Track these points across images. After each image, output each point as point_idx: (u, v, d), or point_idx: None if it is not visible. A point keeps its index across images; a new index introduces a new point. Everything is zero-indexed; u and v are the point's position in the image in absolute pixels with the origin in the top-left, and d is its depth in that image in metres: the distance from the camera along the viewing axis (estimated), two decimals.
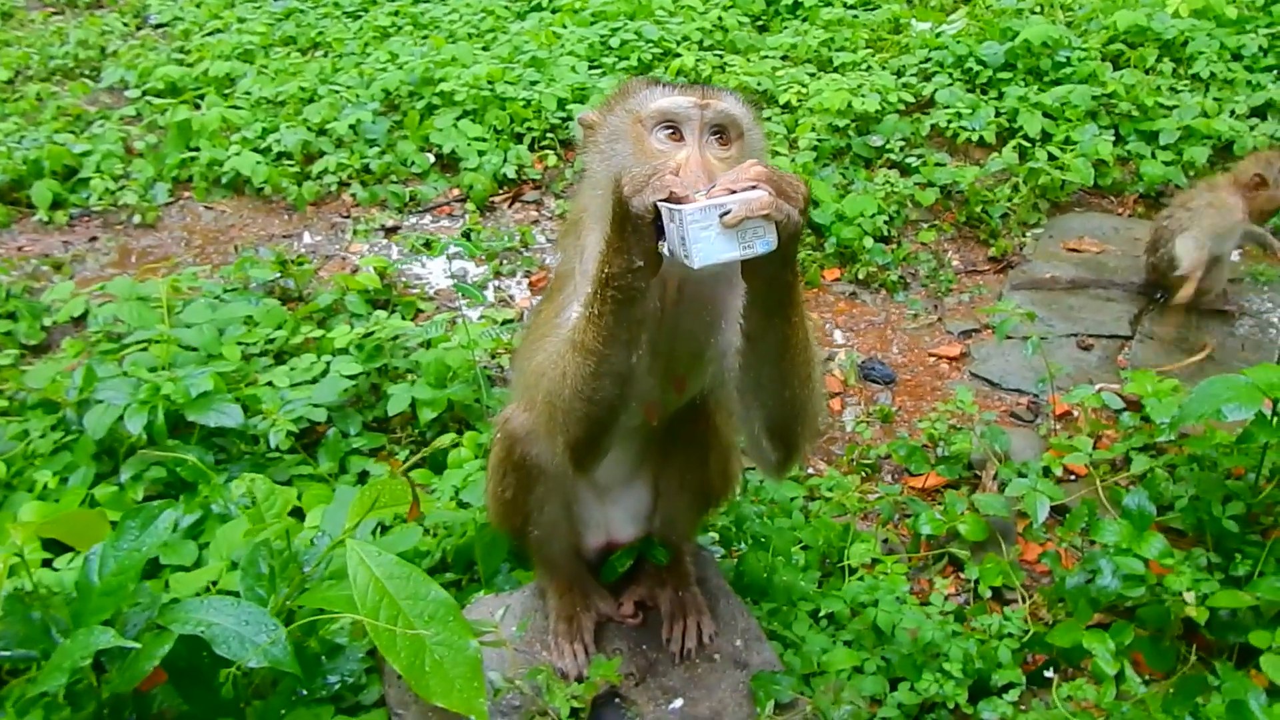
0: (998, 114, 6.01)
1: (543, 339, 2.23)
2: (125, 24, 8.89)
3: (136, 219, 5.82)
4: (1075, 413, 4.06)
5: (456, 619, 2.38)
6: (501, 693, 2.46)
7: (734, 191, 1.80)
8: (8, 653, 2.44)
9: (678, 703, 2.51)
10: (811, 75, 6.52)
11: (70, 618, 2.44)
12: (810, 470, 3.83)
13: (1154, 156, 5.62)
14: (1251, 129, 5.76)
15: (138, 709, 2.58)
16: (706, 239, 1.78)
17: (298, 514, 3.30)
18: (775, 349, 2.04)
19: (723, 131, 2.08)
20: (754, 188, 1.79)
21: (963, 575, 3.40)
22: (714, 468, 2.58)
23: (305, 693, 2.58)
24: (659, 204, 1.83)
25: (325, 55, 7.51)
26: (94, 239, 5.72)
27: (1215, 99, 6.01)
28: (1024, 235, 5.31)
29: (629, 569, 2.74)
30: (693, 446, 2.54)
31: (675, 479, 2.60)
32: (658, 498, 2.68)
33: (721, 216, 1.77)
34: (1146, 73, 6.31)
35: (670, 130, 2.07)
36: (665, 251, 1.88)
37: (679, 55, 6.81)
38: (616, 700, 2.54)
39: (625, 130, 2.10)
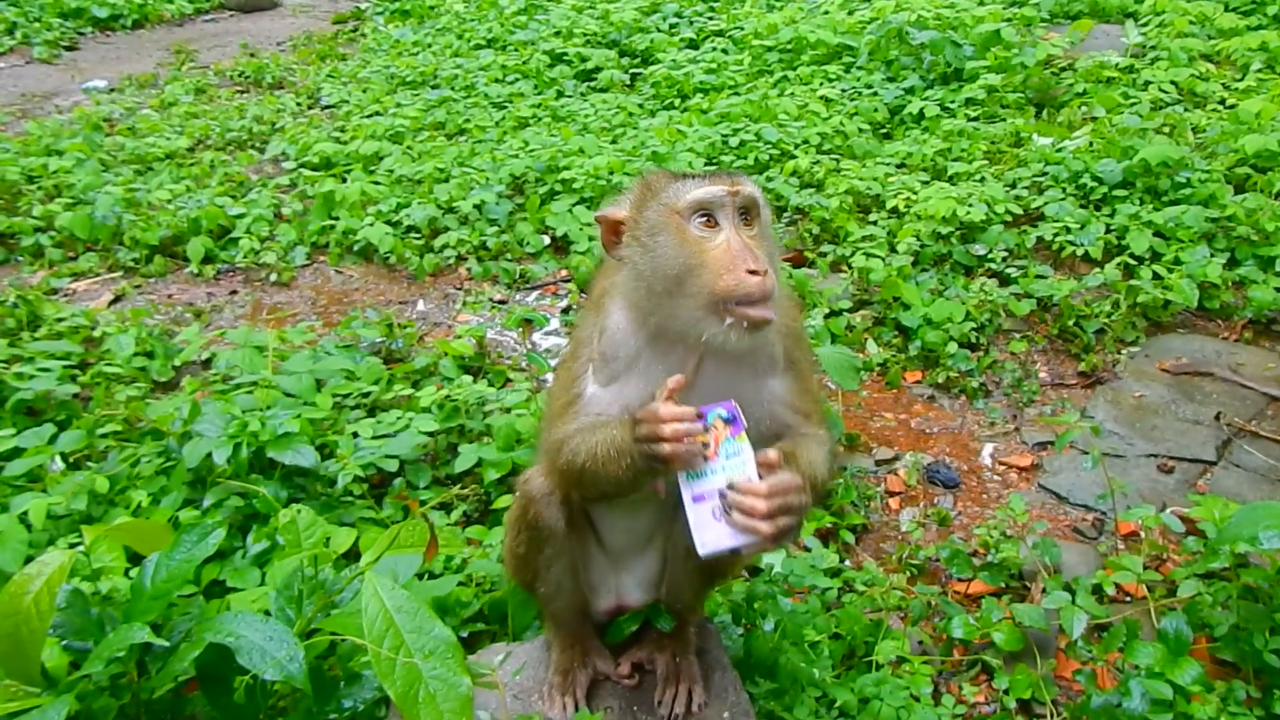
0: (1108, 230, 5.96)
1: (563, 411, 2.45)
2: (299, 104, 9.73)
3: (274, 277, 6.34)
4: (1141, 534, 3.96)
5: (456, 657, 2.52)
6: None
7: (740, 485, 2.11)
8: (65, 642, 2.72)
9: None
10: (924, 183, 6.61)
11: (122, 616, 2.71)
12: (848, 563, 3.85)
13: (1265, 282, 5.46)
14: None
15: (172, 709, 2.82)
16: (714, 528, 2.11)
17: (355, 555, 3.53)
18: None
19: (748, 211, 2.27)
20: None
21: (994, 685, 3.35)
22: None
23: (320, 713, 2.77)
24: None
25: (466, 140, 8.05)
26: (234, 292, 6.25)
27: None
28: (1119, 353, 5.21)
29: (635, 632, 2.84)
30: None
31: (682, 548, 2.70)
32: (666, 566, 2.79)
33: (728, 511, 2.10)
34: (1275, 198, 6.15)
35: (706, 218, 2.24)
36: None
37: (795, 157, 7.03)
38: None
39: (664, 223, 2.26)
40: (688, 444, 2.09)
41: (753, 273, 2.13)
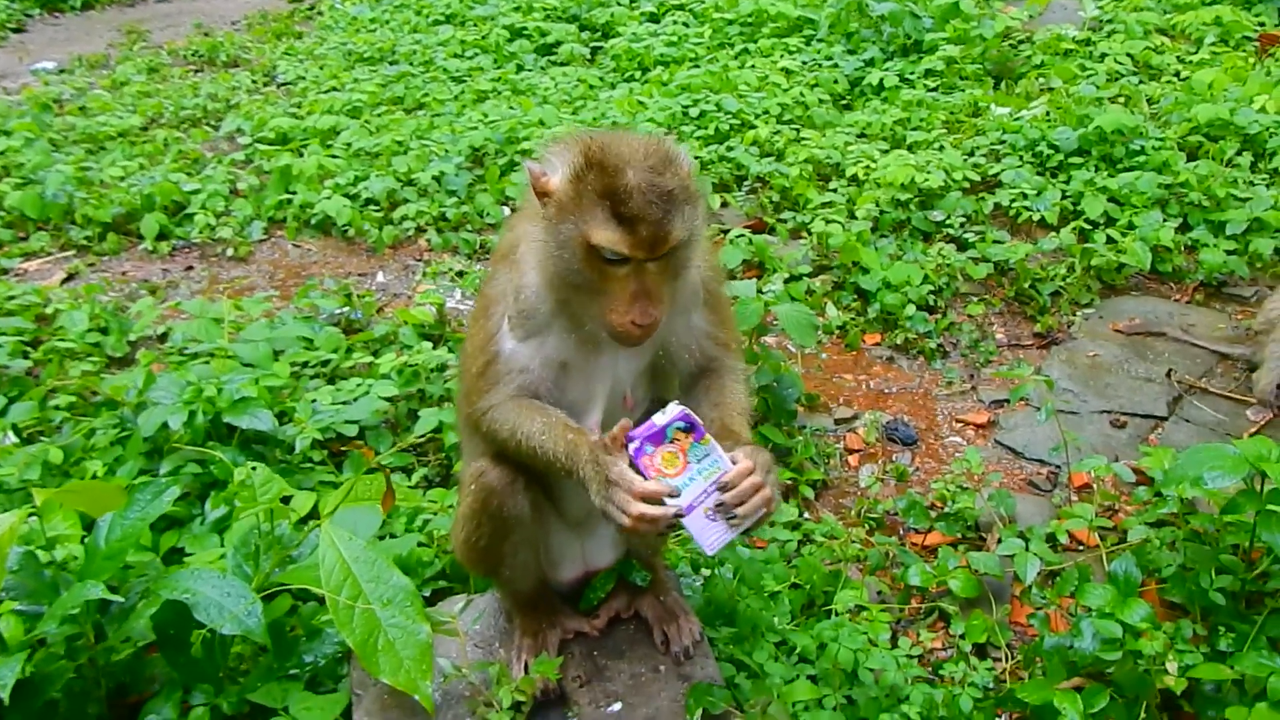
0: (1064, 196, 6.03)
1: (483, 372, 2.44)
2: (254, 81, 9.60)
3: (230, 252, 6.27)
4: (1094, 485, 4.02)
5: (415, 605, 2.52)
6: (450, 679, 2.59)
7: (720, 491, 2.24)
8: (18, 606, 2.68)
9: (616, 706, 2.59)
10: (883, 152, 6.65)
11: (76, 577, 2.68)
12: (807, 516, 3.89)
13: (1215, 245, 5.55)
14: None
15: (131, 670, 2.80)
16: (713, 529, 2.23)
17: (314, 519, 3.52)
18: None
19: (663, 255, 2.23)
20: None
21: (950, 631, 3.39)
22: None
23: (280, 668, 2.76)
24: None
25: (425, 114, 8.00)
26: (190, 268, 6.18)
27: None
28: (1074, 314, 5.28)
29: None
30: None
31: None
32: None
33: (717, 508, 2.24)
34: (1226, 165, 6.24)
35: (617, 257, 2.19)
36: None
37: (755, 127, 7.05)
38: (562, 700, 2.64)
39: (575, 242, 2.20)
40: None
41: (637, 325, 2.19)
